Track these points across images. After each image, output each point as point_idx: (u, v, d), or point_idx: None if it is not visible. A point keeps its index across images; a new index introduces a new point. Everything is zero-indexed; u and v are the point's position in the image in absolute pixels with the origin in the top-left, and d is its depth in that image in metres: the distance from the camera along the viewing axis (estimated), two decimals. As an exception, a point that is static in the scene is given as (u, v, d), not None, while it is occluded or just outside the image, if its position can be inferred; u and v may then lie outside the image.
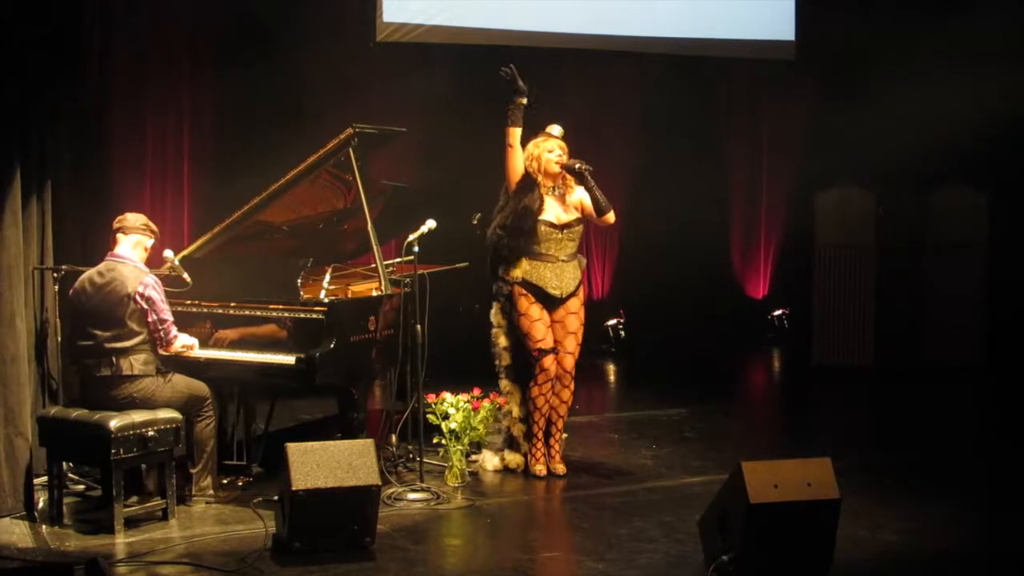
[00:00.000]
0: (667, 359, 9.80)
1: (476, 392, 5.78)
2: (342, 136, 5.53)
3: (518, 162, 5.83)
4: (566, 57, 9.95)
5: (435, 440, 5.71)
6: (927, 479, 5.96)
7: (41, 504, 5.21)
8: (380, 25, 9.32)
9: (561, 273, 5.84)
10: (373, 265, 5.68)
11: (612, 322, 10.31)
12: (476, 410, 5.68)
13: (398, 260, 6.19)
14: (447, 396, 5.69)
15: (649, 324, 10.17)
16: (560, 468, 5.91)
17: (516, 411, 5.93)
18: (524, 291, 5.82)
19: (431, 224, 5.68)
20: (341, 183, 5.85)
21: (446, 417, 5.65)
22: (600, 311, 10.26)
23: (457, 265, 6.56)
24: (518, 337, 5.87)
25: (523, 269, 5.81)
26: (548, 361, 5.79)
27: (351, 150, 5.56)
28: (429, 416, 5.66)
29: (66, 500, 5.22)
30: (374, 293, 5.70)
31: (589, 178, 5.72)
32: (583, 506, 5.45)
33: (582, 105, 10.11)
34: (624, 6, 10.03)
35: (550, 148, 5.79)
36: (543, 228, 5.79)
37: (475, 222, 6.52)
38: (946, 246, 9.29)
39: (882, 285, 9.32)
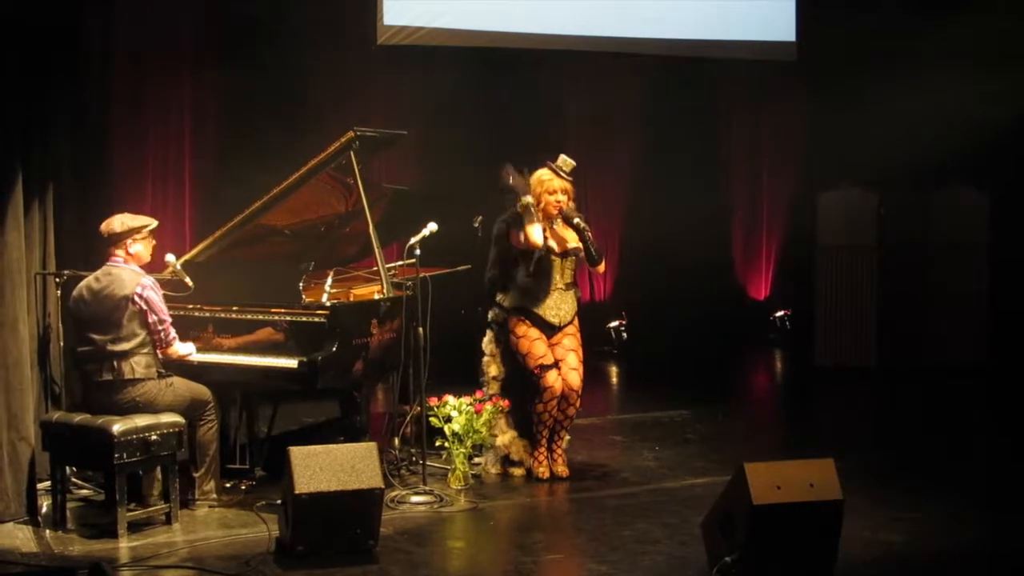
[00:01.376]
0: (669, 361, 9.79)
1: (479, 395, 5.78)
2: (343, 139, 5.53)
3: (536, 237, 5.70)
4: (567, 59, 9.95)
5: (438, 443, 5.70)
6: (928, 479, 5.96)
7: (44, 509, 5.22)
8: (381, 28, 9.33)
9: (560, 302, 5.84)
10: (375, 268, 5.68)
11: (614, 324, 10.29)
12: (479, 413, 5.68)
13: (400, 263, 6.18)
14: (449, 399, 5.69)
15: (651, 326, 10.16)
16: (563, 470, 5.90)
17: (501, 440, 5.90)
18: (521, 317, 5.82)
19: (433, 227, 5.69)
20: (342, 186, 5.85)
21: (449, 420, 5.64)
22: (602, 313, 10.27)
23: (459, 268, 6.56)
24: (517, 361, 5.84)
25: (523, 298, 5.81)
26: (552, 377, 5.75)
27: (352, 153, 5.56)
28: (432, 419, 5.66)
29: (69, 504, 5.22)
30: (376, 296, 5.71)
31: (584, 232, 5.74)
32: (586, 508, 5.45)
33: (583, 107, 10.15)
34: (624, 8, 10.04)
35: (552, 190, 5.74)
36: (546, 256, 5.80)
37: (476, 224, 6.53)
38: (947, 246, 9.28)
39: (884, 285, 9.31)
